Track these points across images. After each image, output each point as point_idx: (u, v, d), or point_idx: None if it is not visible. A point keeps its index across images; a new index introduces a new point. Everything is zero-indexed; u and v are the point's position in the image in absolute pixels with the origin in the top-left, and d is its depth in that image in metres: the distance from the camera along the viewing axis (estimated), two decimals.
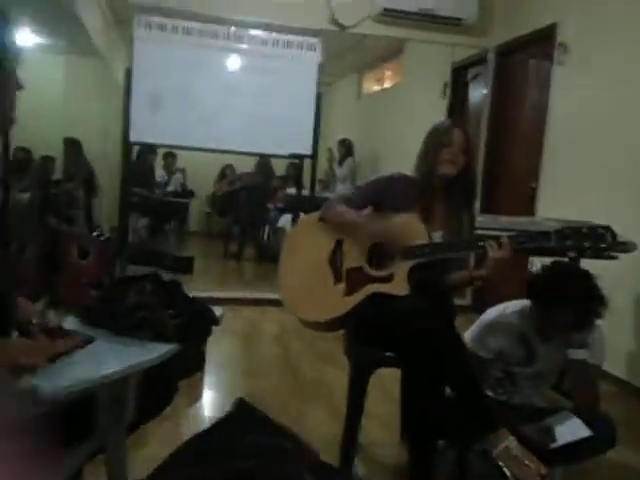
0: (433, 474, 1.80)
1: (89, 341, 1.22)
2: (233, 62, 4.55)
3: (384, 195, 2.02)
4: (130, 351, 1.21)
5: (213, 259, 6.53)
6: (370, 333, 1.97)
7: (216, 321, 1.36)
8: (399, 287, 1.85)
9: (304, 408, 2.66)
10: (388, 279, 1.88)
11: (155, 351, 1.22)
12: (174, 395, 1.51)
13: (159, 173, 6.59)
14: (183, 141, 4.62)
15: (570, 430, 1.98)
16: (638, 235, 1.84)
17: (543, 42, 4.04)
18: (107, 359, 1.17)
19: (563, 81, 3.87)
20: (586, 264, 2.25)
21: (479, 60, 4.89)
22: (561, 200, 3.80)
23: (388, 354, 1.93)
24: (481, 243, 1.82)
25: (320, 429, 2.42)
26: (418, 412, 1.82)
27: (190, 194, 6.89)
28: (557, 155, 3.91)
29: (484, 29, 4.63)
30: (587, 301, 1.98)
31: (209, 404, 2.71)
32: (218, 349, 3.26)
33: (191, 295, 1.44)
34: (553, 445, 1.95)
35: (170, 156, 6.66)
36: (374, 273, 1.92)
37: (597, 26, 3.57)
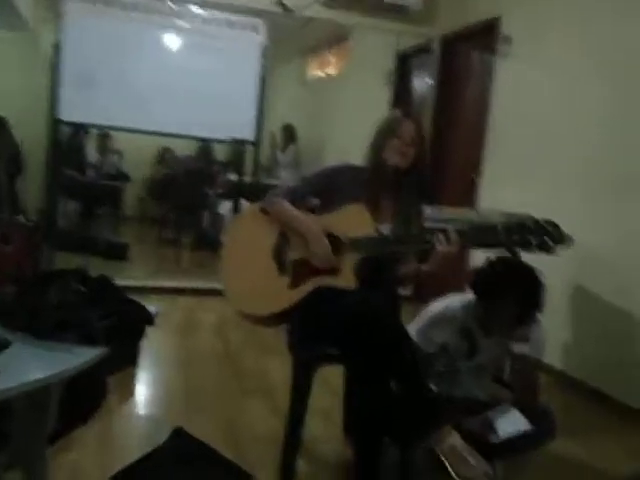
0: (378, 472, 1.75)
1: (4, 345, 1.09)
2: (172, 40, 4.34)
3: (331, 187, 1.94)
4: (52, 356, 1.09)
5: (149, 246, 6.30)
6: (315, 327, 1.90)
7: (150, 321, 1.25)
8: (346, 280, 1.79)
9: (244, 402, 2.57)
10: (335, 271, 1.81)
11: (81, 356, 1.10)
12: (104, 399, 1.39)
13: (93, 154, 6.27)
14: (117, 122, 4.38)
15: (511, 424, 2.00)
16: (577, 229, 1.87)
17: (487, 34, 4.06)
18: (25, 366, 1.05)
19: (506, 74, 3.91)
20: (523, 257, 2.26)
21: (424, 49, 4.88)
22: (502, 192, 3.85)
23: (332, 350, 1.87)
24: (429, 237, 1.78)
25: (260, 425, 2.35)
26: (363, 408, 1.77)
27: (126, 177, 6.59)
28: (498, 147, 3.96)
29: (430, 18, 4.62)
30: (532, 295, 1.99)
31: (143, 400, 2.56)
32: (153, 341, 3.11)
33: (126, 284, 1.31)
34: (495, 439, 1.96)
35: (104, 137, 6.34)
36: None
37: (541, 20, 3.61)
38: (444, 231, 1.78)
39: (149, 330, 2.75)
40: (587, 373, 3.12)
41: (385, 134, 1.92)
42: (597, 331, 3.11)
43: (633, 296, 2.88)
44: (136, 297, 3.51)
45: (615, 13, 3.06)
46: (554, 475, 2.23)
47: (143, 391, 2.66)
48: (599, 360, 3.07)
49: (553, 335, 2.33)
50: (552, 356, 3.10)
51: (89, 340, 1.13)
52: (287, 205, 1.89)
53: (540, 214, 2.74)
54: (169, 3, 4.19)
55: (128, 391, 2.57)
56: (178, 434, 1.18)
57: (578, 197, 3.20)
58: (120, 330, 1.15)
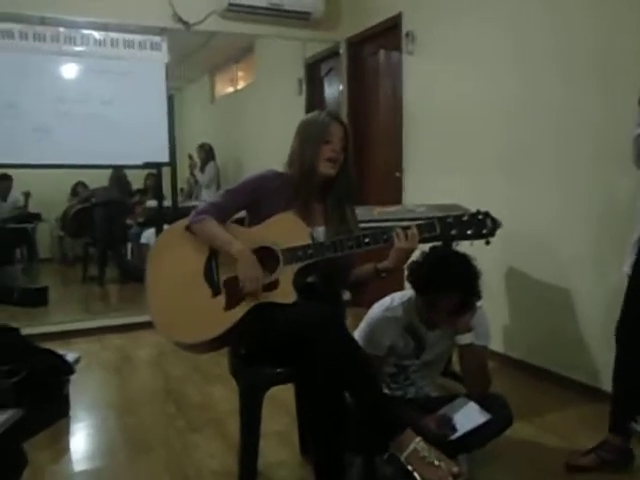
0: None
1: None
2: (67, 66, 4.08)
3: (258, 196, 1.84)
4: None
5: (72, 286, 5.96)
6: (258, 349, 1.80)
7: (69, 370, 1.10)
8: (285, 294, 1.69)
9: (192, 439, 2.40)
10: (272, 286, 1.71)
11: None
12: (23, 468, 1.21)
13: None
14: (16, 159, 4.04)
15: (469, 417, 1.96)
16: (502, 212, 1.88)
17: (391, 32, 4.10)
18: None
19: (413, 69, 3.95)
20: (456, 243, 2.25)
21: (331, 54, 4.88)
22: (424, 186, 3.88)
23: (280, 370, 1.76)
24: (386, 235, 1.73)
25: (212, 461, 2.20)
26: (320, 423, 1.68)
27: (35, 217, 6.18)
28: (416, 143, 3.99)
29: (333, 23, 4.62)
30: (469, 283, 1.97)
31: (79, 456, 2.32)
32: (85, 387, 2.89)
33: (49, 330, 1.16)
34: (455, 436, 1.92)
35: (3, 179, 5.90)
36: None
37: (441, 14, 3.66)
38: (405, 227, 1.74)
39: (79, 375, 2.56)
40: (529, 352, 3.16)
41: (314, 139, 1.84)
42: (533, 309, 3.16)
43: (562, 271, 2.94)
44: (62, 342, 3.26)
45: (520, 6, 3.12)
46: (517, 460, 2.22)
47: (78, 444, 2.43)
48: (538, 337, 3.12)
49: (492, 319, 2.34)
50: (494, 340, 3.12)
51: None
52: (211, 223, 1.78)
53: (465, 202, 2.77)
54: (60, 28, 3.95)
55: (61, 447, 2.35)
56: None
57: (499, 182, 3.26)
58: (32, 386, 1.00)
